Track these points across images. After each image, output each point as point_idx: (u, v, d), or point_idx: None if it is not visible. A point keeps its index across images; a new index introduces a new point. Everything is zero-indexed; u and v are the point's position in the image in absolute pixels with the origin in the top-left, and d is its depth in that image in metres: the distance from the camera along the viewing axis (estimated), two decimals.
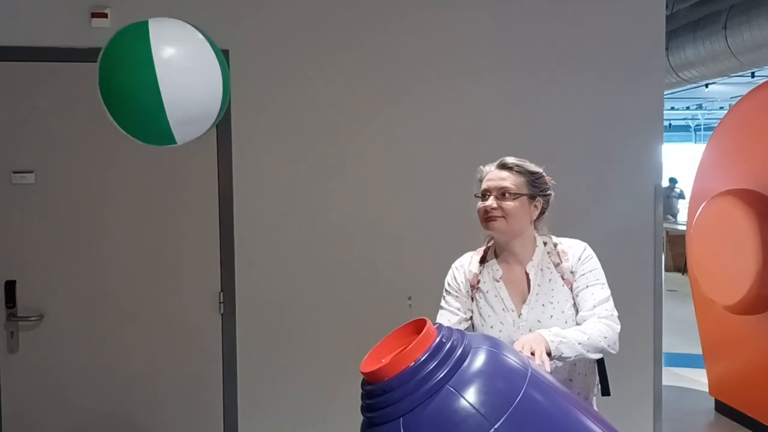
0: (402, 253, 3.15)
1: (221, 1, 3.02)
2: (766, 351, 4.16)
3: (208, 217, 3.05)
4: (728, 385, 4.64)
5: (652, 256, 3.32)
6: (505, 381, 1.32)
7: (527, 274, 1.96)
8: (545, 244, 1.99)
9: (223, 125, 3.02)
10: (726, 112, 5.14)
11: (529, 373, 1.35)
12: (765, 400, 4.22)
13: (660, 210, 3.34)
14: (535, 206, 1.97)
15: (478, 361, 1.34)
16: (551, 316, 1.91)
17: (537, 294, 1.94)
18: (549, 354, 1.69)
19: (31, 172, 2.93)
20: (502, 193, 1.92)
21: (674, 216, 12.23)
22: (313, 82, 3.09)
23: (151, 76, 1.74)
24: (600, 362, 1.96)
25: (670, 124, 17.44)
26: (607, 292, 1.93)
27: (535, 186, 1.96)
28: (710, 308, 4.59)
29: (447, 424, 1.25)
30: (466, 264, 2.04)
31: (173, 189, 3.03)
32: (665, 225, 10.51)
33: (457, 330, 1.45)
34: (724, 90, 11.22)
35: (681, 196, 12.79)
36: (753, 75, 8.37)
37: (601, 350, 1.82)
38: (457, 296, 2.02)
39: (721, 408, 4.73)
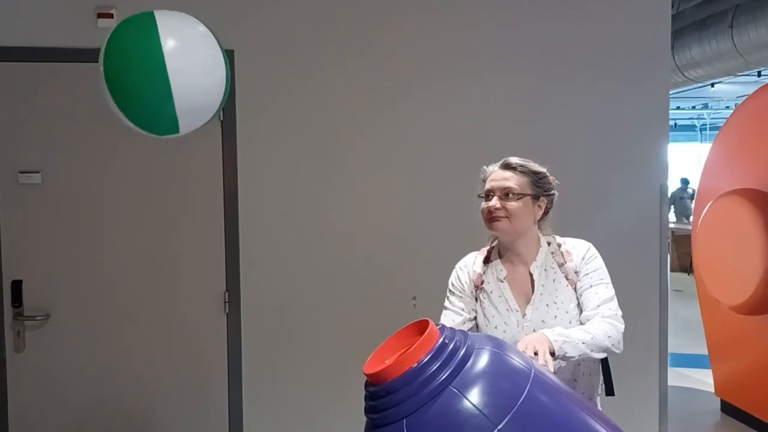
0: (406, 253, 3.15)
1: (226, 2, 3.02)
2: None
3: (213, 218, 3.05)
4: (734, 385, 4.63)
5: (657, 256, 3.31)
6: (509, 382, 1.32)
7: (531, 275, 1.95)
8: (549, 244, 1.99)
9: (228, 125, 3.03)
10: (732, 111, 5.12)
11: (533, 374, 1.35)
12: None
13: (666, 210, 3.33)
14: (539, 206, 1.96)
15: (481, 361, 1.33)
16: (555, 317, 1.91)
17: (541, 294, 1.93)
18: (553, 354, 1.68)
19: (37, 172, 2.94)
20: (506, 194, 1.92)
21: (688, 218, 12.01)
22: (317, 82, 3.09)
23: (161, 64, 1.75)
24: (604, 362, 1.95)
25: (675, 124, 17.39)
26: (611, 291, 1.92)
27: (538, 186, 1.95)
28: (716, 308, 4.58)
29: (450, 425, 1.25)
30: (470, 264, 2.04)
31: (178, 189, 3.04)
32: (679, 226, 10.42)
33: (460, 331, 1.45)
34: (730, 89, 11.17)
35: (694, 197, 12.65)
36: (759, 74, 8.35)
37: (605, 350, 1.82)
38: (461, 296, 2.02)
39: (727, 408, 4.71)
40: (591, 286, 1.92)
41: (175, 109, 1.81)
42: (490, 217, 1.92)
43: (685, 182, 12.89)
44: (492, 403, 1.26)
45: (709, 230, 4.52)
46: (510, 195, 1.91)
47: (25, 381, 2.97)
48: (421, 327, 1.41)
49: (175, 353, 3.05)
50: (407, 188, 3.16)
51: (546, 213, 2.00)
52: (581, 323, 1.90)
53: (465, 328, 1.98)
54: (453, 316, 2.00)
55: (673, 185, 12.16)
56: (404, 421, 1.28)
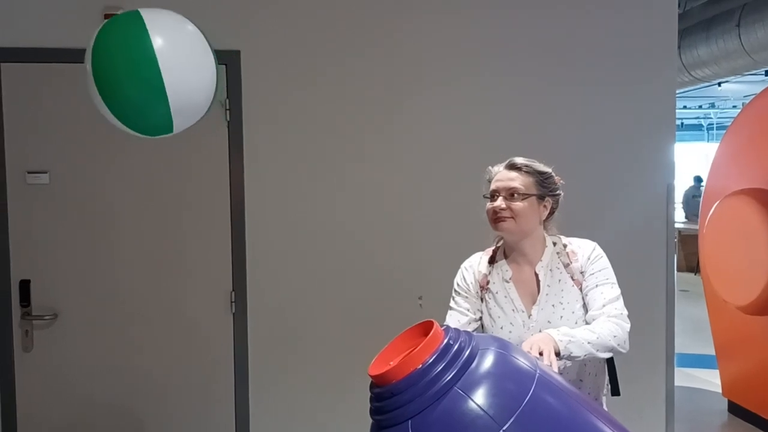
0: (412, 253, 3.15)
1: (232, 3, 3.03)
2: None
3: (219, 217, 3.06)
4: (741, 386, 4.61)
5: (664, 255, 3.30)
6: (513, 382, 1.32)
7: (537, 275, 1.95)
8: (555, 244, 1.99)
9: (234, 126, 3.04)
10: (739, 110, 5.10)
11: (537, 374, 1.35)
12: None
13: (672, 209, 3.32)
14: (545, 206, 1.96)
15: (486, 362, 1.33)
16: (561, 317, 1.91)
17: (547, 295, 1.93)
18: (558, 354, 1.68)
19: (46, 172, 2.96)
20: (511, 194, 1.91)
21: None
22: (323, 82, 3.10)
23: (153, 63, 1.73)
24: (610, 362, 1.95)
25: (682, 123, 17.30)
26: (616, 291, 1.92)
27: (544, 186, 1.95)
28: (723, 308, 4.56)
29: (456, 426, 1.25)
30: (476, 264, 2.04)
31: (185, 189, 3.05)
32: (689, 226, 10.31)
33: (465, 332, 1.45)
34: (737, 88, 11.12)
35: None
36: (766, 73, 8.30)
37: (611, 349, 1.81)
38: (466, 297, 2.02)
39: (735, 409, 4.69)
40: (596, 285, 1.92)
41: (170, 108, 1.79)
42: (496, 217, 1.92)
43: (698, 180, 12.66)
44: (497, 404, 1.26)
45: (716, 230, 4.51)
46: (515, 195, 1.91)
47: (33, 380, 2.99)
48: (426, 328, 1.41)
49: (182, 352, 3.06)
50: (413, 188, 3.17)
51: (551, 213, 2.00)
52: (587, 322, 1.90)
53: (470, 328, 1.98)
54: (458, 317, 2.00)
55: (681, 184, 12.07)
56: (409, 422, 1.28)
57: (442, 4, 3.17)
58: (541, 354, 1.63)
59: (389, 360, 1.40)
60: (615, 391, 1.96)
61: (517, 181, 1.92)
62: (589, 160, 3.23)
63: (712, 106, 15.58)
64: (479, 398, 1.27)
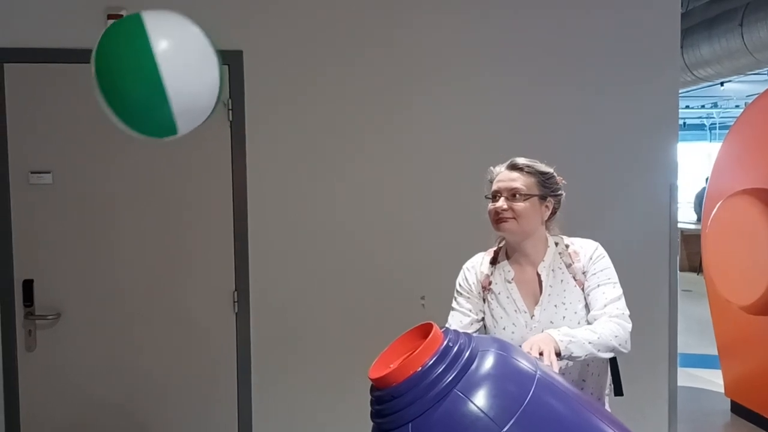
0: (415, 253, 3.15)
1: (234, 3, 3.04)
2: None
3: (222, 217, 3.07)
4: (744, 386, 4.60)
5: (667, 255, 3.30)
6: (513, 383, 1.32)
7: (539, 275, 1.95)
8: (557, 244, 1.99)
9: (237, 125, 3.04)
10: (742, 110, 5.09)
11: (538, 375, 1.35)
12: None
13: (675, 209, 3.31)
14: (546, 207, 1.96)
15: (486, 364, 1.33)
16: (564, 317, 1.91)
17: (549, 295, 1.93)
18: (558, 354, 1.68)
19: (49, 172, 2.96)
20: (513, 194, 1.91)
21: None
22: (326, 82, 3.10)
23: (153, 66, 1.74)
24: (613, 362, 1.95)
25: (684, 123, 17.27)
26: (618, 291, 1.92)
27: (546, 186, 1.95)
28: (726, 308, 4.55)
29: (456, 428, 1.25)
30: (478, 265, 2.04)
31: (188, 189, 3.06)
32: (695, 226, 10.27)
33: (464, 333, 1.44)
34: (740, 88, 11.09)
35: None
36: None
37: (612, 349, 1.81)
38: (468, 297, 2.02)
39: (738, 409, 4.69)
40: (598, 285, 1.91)
41: (172, 111, 1.80)
42: (497, 218, 1.91)
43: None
44: (497, 406, 1.26)
45: (719, 230, 4.50)
46: (517, 196, 1.91)
47: (36, 379, 2.99)
48: (425, 330, 1.41)
49: (185, 352, 3.07)
50: (415, 188, 3.17)
51: (553, 213, 1.99)
52: (588, 322, 1.89)
53: (472, 329, 1.98)
54: (460, 317, 2.00)
55: (691, 185, 12.02)
56: (410, 425, 1.28)
57: (445, 7, 3.16)
58: (541, 354, 1.63)
59: (389, 363, 1.40)
60: (618, 391, 1.96)
61: (518, 181, 1.92)
62: (592, 160, 3.22)
63: (715, 105, 15.54)
64: (479, 400, 1.27)
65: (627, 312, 1.89)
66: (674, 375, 3.34)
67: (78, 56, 2.90)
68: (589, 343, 1.75)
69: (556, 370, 1.59)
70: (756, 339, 4.35)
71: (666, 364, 3.32)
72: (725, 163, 4.78)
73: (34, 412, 3.00)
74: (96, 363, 3.02)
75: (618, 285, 1.93)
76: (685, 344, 5.49)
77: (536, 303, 1.94)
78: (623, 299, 1.91)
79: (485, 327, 2.00)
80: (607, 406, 1.99)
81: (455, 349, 1.34)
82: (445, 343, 1.35)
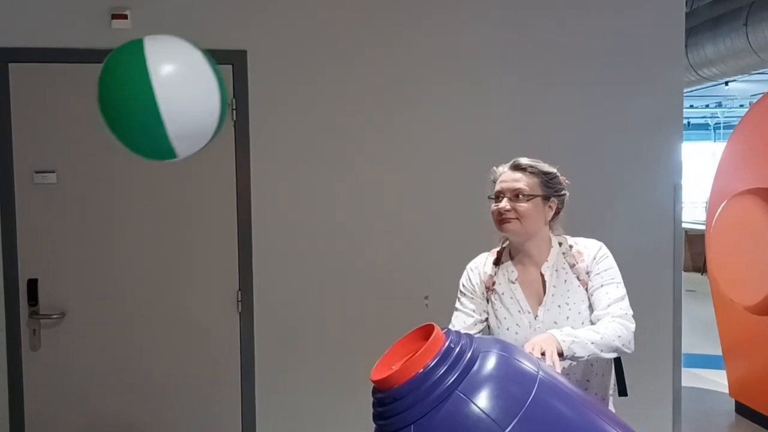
0: (418, 253, 3.15)
1: (238, 3, 3.04)
2: None
3: (226, 216, 3.07)
4: (749, 386, 4.59)
5: (671, 255, 3.29)
6: (515, 384, 1.31)
7: (542, 276, 1.95)
8: (560, 244, 1.98)
9: (240, 125, 3.04)
10: (746, 110, 5.08)
11: (540, 376, 1.35)
12: None
13: (679, 209, 3.31)
14: (550, 207, 1.95)
15: (488, 365, 1.33)
16: (567, 318, 1.90)
17: (553, 295, 1.93)
18: (561, 354, 1.68)
19: (53, 171, 2.97)
20: (516, 195, 1.90)
21: None
22: (329, 82, 3.10)
23: (149, 92, 1.76)
24: (617, 362, 1.95)
25: (688, 123, 17.23)
26: (622, 291, 1.91)
27: (549, 187, 1.94)
28: (730, 309, 4.54)
29: (458, 429, 1.25)
30: (481, 265, 2.04)
31: (192, 189, 3.06)
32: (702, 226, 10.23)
33: (466, 334, 1.44)
34: (745, 87, 11.06)
35: None
36: None
37: (615, 349, 1.80)
38: (472, 298, 2.01)
39: (742, 410, 4.67)
40: (602, 285, 1.91)
41: (168, 136, 1.83)
42: (501, 218, 1.91)
43: None
44: (499, 407, 1.26)
45: (724, 230, 4.49)
46: (520, 196, 1.90)
47: (40, 378, 3.00)
48: (427, 332, 1.41)
49: (189, 351, 3.07)
50: (419, 188, 3.16)
51: (557, 213, 1.99)
52: (592, 322, 1.89)
53: (476, 329, 1.98)
54: (464, 318, 2.00)
55: (688, 185, 11.98)
56: (412, 426, 1.28)
57: (449, 7, 3.16)
58: (543, 354, 1.63)
59: (390, 365, 1.40)
60: (622, 391, 1.95)
61: (521, 182, 1.91)
62: (596, 160, 3.22)
63: (719, 105, 15.50)
64: (481, 401, 1.26)
65: (630, 312, 1.88)
66: (678, 375, 3.33)
67: (82, 56, 2.92)
68: (592, 343, 1.75)
69: (559, 370, 1.59)
70: (760, 339, 4.33)
71: (670, 364, 3.31)
72: (730, 163, 4.77)
73: (38, 411, 3.00)
74: (100, 362, 3.02)
75: (622, 285, 1.92)
76: (690, 344, 5.47)
77: (540, 303, 1.93)
78: (627, 299, 1.90)
79: (489, 327, 2.00)
80: (611, 407, 1.99)
81: (457, 351, 1.34)
82: (447, 344, 1.35)
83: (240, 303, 3.09)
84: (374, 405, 1.39)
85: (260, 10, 3.06)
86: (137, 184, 3.02)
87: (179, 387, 3.08)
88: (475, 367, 1.32)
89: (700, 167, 13.36)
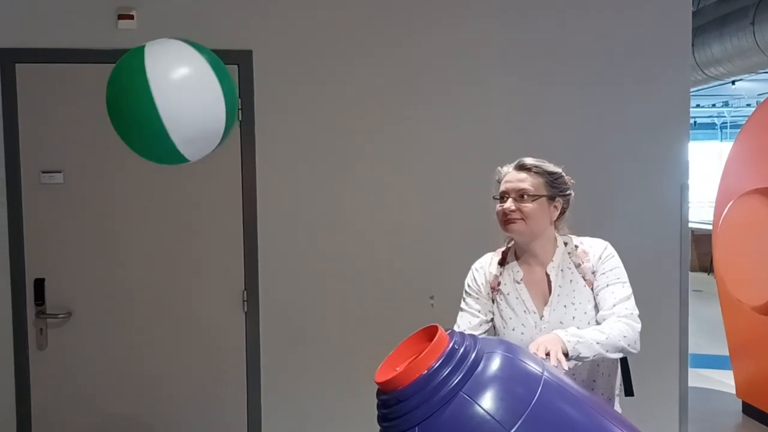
0: (423, 252, 3.15)
1: (244, 3, 3.04)
2: None
3: (231, 217, 3.08)
4: (756, 387, 4.57)
5: (678, 255, 3.28)
6: (520, 385, 1.31)
7: (548, 276, 1.94)
8: (566, 244, 1.97)
9: (246, 125, 3.05)
10: (753, 109, 5.05)
11: (545, 377, 1.34)
12: None
13: (686, 209, 3.29)
14: (555, 207, 1.94)
15: (492, 366, 1.33)
16: (573, 318, 1.90)
17: (558, 295, 1.92)
18: (566, 354, 1.67)
19: (60, 172, 2.98)
20: (521, 195, 1.90)
21: None
22: (335, 82, 3.10)
23: (149, 100, 1.77)
24: (623, 362, 1.94)
25: (695, 122, 17.14)
26: (628, 290, 1.90)
27: (554, 187, 1.94)
28: (737, 309, 4.52)
29: (463, 431, 1.25)
30: (486, 265, 2.03)
31: (198, 189, 3.07)
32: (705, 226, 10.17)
33: (470, 335, 1.44)
34: (752, 87, 11.00)
35: None
36: None
37: (621, 349, 1.80)
38: (477, 298, 2.01)
39: (749, 410, 4.65)
40: (607, 285, 1.90)
41: (173, 142, 1.84)
42: (506, 219, 1.90)
43: None
44: (503, 408, 1.26)
45: (730, 230, 4.47)
46: (525, 196, 1.90)
47: (47, 378, 3.01)
48: (431, 333, 1.41)
49: (195, 351, 3.08)
50: (424, 188, 3.16)
51: (562, 213, 1.98)
52: (597, 322, 1.88)
53: (481, 329, 1.97)
54: (469, 318, 2.00)
55: (695, 184, 11.94)
56: (416, 428, 1.28)
57: (454, 8, 3.15)
58: (548, 355, 1.62)
59: (395, 366, 1.40)
60: (628, 391, 1.95)
61: (526, 182, 1.91)
62: (603, 160, 3.21)
63: (726, 104, 15.42)
64: (485, 402, 1.26)
65: (636, 312, 1.87)
66: (685, 375, 3.32)
67: (88, 56, 2.94)
68: (597, 343, 1.74)
69: (566, 369, 1.58)
70: (767, 340, 4.31)
71: (677, 364, 3.30)
72: (736, 163, 4.75)
73: (44, 410, 3.02)
74: (106, 361, 3.03)
75: (627, 284, 1.91)
76: (696, 345, 5.44)
77: (545, 303, 1.93)
78: (632, 299, 1.90)
79: (494, 328, 1.99)
80: (617, 407, 1.98)
81: (461, 352, 1.34)
82: (451, 345, 1.35)
83: (246, 303, 3.09)
84: (379, 407, 1.39)
85: (266, 11, 3.06)
86: (143, 184, 3.03)
87: (185, 386, 3.09)
88: (480, 368, 1.32)
89: (706, 167, 13.32)
